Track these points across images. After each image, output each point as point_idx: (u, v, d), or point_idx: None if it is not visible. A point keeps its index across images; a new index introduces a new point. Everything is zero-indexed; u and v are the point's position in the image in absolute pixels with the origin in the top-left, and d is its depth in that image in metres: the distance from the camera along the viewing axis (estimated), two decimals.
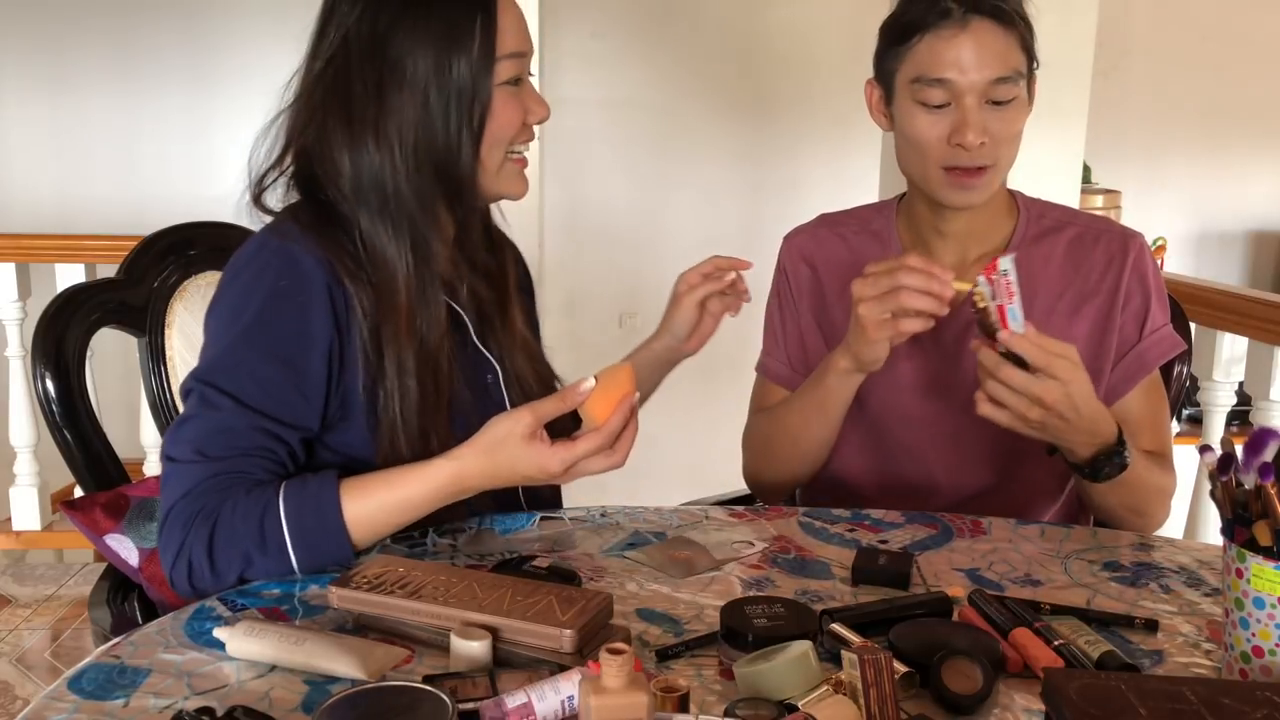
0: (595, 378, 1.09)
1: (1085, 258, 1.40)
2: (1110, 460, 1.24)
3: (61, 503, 1.53)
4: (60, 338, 1.44)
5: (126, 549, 1.32)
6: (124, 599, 1.34)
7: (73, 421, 1.43)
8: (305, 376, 1.14)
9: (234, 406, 1.11)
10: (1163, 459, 1.39)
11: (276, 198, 1.24)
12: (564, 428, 1.12)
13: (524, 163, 1.26)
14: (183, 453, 1.11)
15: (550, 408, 1.09)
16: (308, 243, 1.15)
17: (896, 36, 1.32)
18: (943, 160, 1.31)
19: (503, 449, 1.09)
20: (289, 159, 1.22)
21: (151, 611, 1.29)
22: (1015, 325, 1.15)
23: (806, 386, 1.40)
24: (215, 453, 1.10)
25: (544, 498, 1.39)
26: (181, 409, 1.15)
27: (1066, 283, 1.40)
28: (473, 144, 1.18)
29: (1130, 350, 1.39)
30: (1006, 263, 1.15)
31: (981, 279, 1.15)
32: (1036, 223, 1.43)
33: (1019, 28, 1.29)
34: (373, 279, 1.17)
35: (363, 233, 1.18)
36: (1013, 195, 1.45)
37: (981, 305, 1.16)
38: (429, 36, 1.15)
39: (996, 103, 1.28)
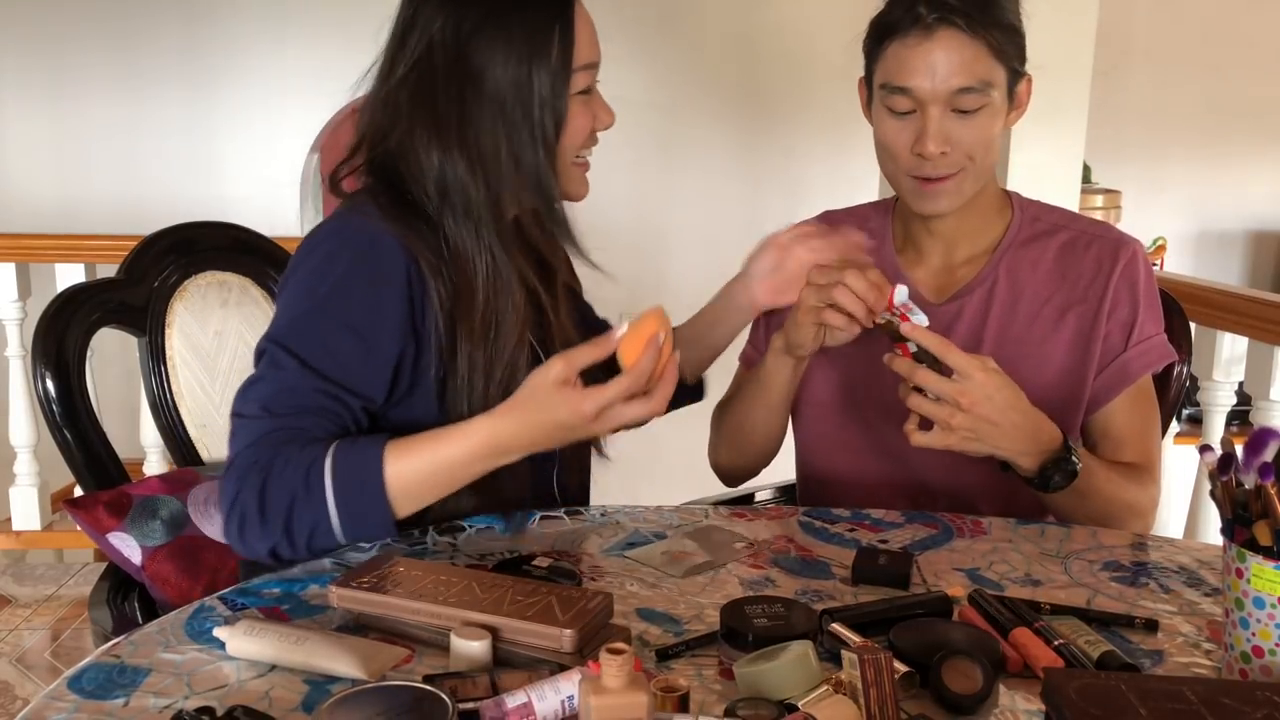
0: (627, 323, 1.09)
1: (1075, 263, 1.39)
2: (1059, 468, 1.23)
3: (64, 501, 1.53)
4: (60, 338, 1.45)
5: (129, 547, 1.33)
6: (124, 599, 1.34)
7: (73, 421, 1.43)
8: (375, 351, 1.17)
9: (299, 368, 1.14)
10: (1142, 472, 1.36)
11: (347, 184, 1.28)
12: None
13: (586, 166, 1.30)
14: (250, 409, 1.14)
15: (584, 355, 1.10)
16: (389, 225, 1.18)
17: (875, 38, 1.33)
18: (908, 168, 1.32)
19: (535, 398, 1.11)
20: (363, 153, 1.25)
21: (152, 611, 1.30)
22: (919, 320, 1.20)
23: (753, 369, 1.44)
24: (280, 409, 1.13)
25: (572, 493, 1.40)
26: (255, 369, 1.18)
27: (1054, 288, 1.39)
28: (549, 153, 1.21)
29: (1114, 360, 1.37)
30: (902, 294, 1.21)
31: (887, 316, 1.22)
32: (1030, 225, 1.42)
33: (989, 36, 1.26)
34: (453, 277, 1.20)
35: (446, 233, 1.21)
36: (1008, 196, 1.45)
37: (883, 320, 1.22)
38: (510, 47, 1.18)
39: (963, 111, 1.28)
